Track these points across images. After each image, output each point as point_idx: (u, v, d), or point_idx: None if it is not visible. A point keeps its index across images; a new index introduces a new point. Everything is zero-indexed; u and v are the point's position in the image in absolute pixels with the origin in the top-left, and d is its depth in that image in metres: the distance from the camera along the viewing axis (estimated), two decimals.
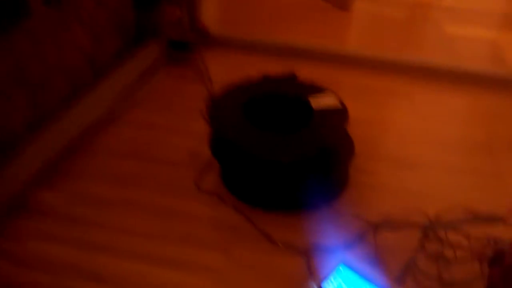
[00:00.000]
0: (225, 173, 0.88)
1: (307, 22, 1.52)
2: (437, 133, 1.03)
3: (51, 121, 0.96)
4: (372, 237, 0.75)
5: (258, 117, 0.86)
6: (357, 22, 1.60)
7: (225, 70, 1.24)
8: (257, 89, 0.93)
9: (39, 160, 0.87)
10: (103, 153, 0.94)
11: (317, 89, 0.91)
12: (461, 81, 1.21)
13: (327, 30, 1.48)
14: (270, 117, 0.90)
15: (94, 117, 1.00)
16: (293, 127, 0.83)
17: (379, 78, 1.23)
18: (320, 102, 0.88)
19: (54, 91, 0.98)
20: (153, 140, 0.98)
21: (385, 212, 0.79)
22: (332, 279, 0.66)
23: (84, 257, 0.72)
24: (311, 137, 0.82)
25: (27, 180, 0.83)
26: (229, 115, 0.85)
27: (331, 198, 0.84)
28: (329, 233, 0.78)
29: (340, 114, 0.86)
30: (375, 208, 0.81)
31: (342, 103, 0.88)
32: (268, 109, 0.91)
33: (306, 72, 1.04)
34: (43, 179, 0.86)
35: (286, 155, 0.80)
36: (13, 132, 0.88)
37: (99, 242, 0.75)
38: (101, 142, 0.97)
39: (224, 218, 0.80)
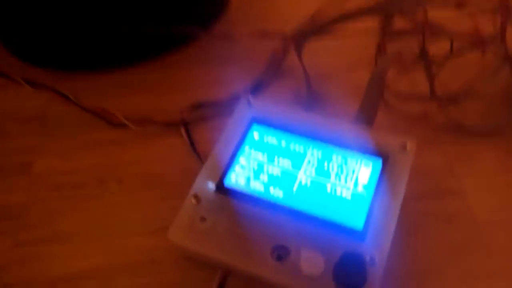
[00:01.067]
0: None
1: None
2: None
3: None
4: (297, 58, 0.40)
5: None
6: None
7: None
8: None
9: None
10: None
11: None
12: None
13: None
14: None
15: None
16: None
17: None
18: None
19: None
20: None
21: (303, 19, 0.43)
22: (242, 159, 0.32)
23: None
24: None
25: None
26: None
27: (203, 24, 0.46)
28: (214, 78, 0.42)
29: None
30: (283, 16, 0.46)
31: None
32: None
33: None
34: None
35: None
36: None
37: None
38: None
39: (9, 97, 0.41)
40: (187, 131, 0.38)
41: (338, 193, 0.30)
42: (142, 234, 0.33)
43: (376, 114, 0.34)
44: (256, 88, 0.40)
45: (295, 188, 0.30)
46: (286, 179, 0.30)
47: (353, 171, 0.30)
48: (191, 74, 0.42)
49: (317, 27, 0.39)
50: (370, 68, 0.41)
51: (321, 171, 0.31)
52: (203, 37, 0.44)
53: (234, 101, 0.39)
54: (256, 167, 0.31)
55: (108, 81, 0.42)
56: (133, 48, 0.43)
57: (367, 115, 0.33)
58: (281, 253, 0.28)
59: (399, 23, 0.40)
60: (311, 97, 0.39)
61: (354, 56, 0.42)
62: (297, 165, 0.31)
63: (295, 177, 0.30)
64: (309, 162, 0.31)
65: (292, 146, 0.32)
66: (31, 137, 0.39)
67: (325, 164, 0.31)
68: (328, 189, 0.30)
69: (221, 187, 0.30)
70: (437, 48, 0.40)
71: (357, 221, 0.28)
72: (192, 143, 0.37)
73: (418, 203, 0.32)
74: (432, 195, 0.33)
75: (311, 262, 0.27)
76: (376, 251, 0.27)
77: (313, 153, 0.31)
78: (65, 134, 0.39)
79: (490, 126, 0.36)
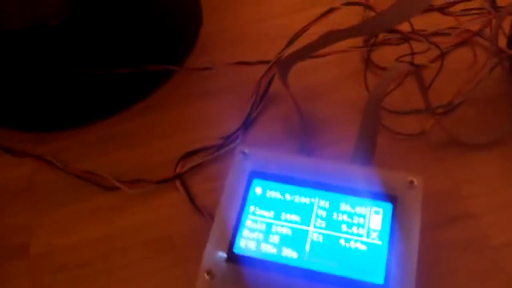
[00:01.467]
0: None
1: None
2: None
3: None
4: (283, 86, 0.38)
5: None
6: None
7: None
8: None
9: None
10: None
11: None
12: None
13: None
14: None
15: None
16: None
17: None
18: None
19: None
20: None
21: (283, 44, 0.40)
22: (249, 221, 0.31)
23: None
24: None
25: None
26: None
27: (175, 61, 0.43)
28: (198, 118, 0.40)
29: None
30: (257, 42, 0.44)
31: None
32: None
33: None
34: None
35: (51, 10, 0.36)
36: None
37: None
38: None
39: None
40: (183, 185, 0.36)
41: (353, 246, 0.29)
42: None
43: (375, 147, 0.32)
44: (246, 125, 0.39)
45: (307, 247, 0.29)
46: (297, 237, 0.30)
47: (364, 219, 0.30)
48: (173, 117, 0.40)
49: (301, 52, 0.37)
50: (359, 81, 0.40)
51: (331, 224, 0.30)
52: (179, 74, 0.42)
53: (225, 143, 0.38)
54: (264, 228, 0.30)
55: (88, 137, 0.40)
56: (107, 97, 0.41)
57: (366, 151, 0.32)
58: None
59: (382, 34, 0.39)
60: (304, 126, 0.38)
61: (341, 71, 0.41)
62: (306, 220, 0.30)
63: (306, 234, 0.30)
64: (317, 214, 0.30)
65: (297, 199, 0.31)
66: (22, 213, 0.37)
67: (334, 215, 0.30)
68: (342, 243, 0.29)
69: (232, 256, 0.29)
70: (426, 54, 0.39)
71: (376, 275, 0.28)
72: (191, 198, 0.36)
73: (431, 233, 0.32)
74: (444, 222, 0.33)
75: None
76: None
77: (320, 204, 0.30)
78: (57, 205, 0.37)
79: (490, 137, 0.35)
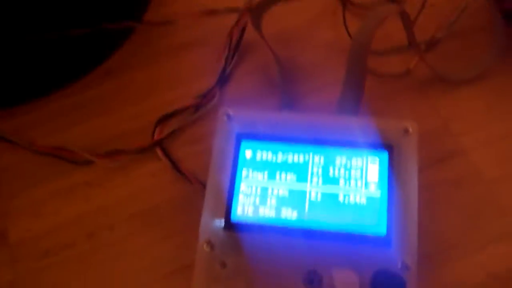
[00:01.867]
0: None
1: None
2: None
3: None
4: (258, 33, 0.36)
5: None
6: None
7: None
8: None
9: None
10: None
11: None
12: None
13: None
14: None
15: None
16: None
17: None
18: None
19: None
20: None
21: None
22: (243, 186, 0.29)
23: None
24: None
25: None
26: None
27: (134, 16, 0.39)
28: (169, 77, 0.37)
29: None
30: None
31: None
32: None
33: None
34: None
35: None
36: None
37: None
38: None
39: None
40: (164, 152, 0.34)
41: (352, 201, 0.28)
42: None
43: (362, 96, 0.31)
44: (222, 80, 0.36)
45: (306, 206, 0.28)
46: (295, 197, 0.29)
47: (361, 171, 0.29)
48: (141, 79, 0.37)
49: None
50: (337, 22, 0.38)
51: (328, 179, 0.29)
52: (139, 31, 0.38)
53: (202, 101, 0.36)
54: (259, 191, 0.29)
55: (52, 109, 0.37)
56: (64, 63, 0.37)
57: (353, 100, 0.31)
58: (313, 280, 0.27)
59: None
60: (284, 75, 0.36)
61: (317, 12, 0.38)
62: (302, 178, 0.29)
63: (304, 193, 0.29)
64: (313, 171, 0.29)
65: (290, 158, 0.29)
66: None
67: (331, 169, 0.29)
68: (341, 198, 0.28)
69: (230, 224, 0.28)
70: None
71: (378, 227, 0.28)
72: (174, 164, 0.34)
73: (425, 174, 0.31)
74: (436, 161, 0.32)
75: (345, 281, 0.27)
76: (406, 253, 0.27)
77: (314, 160, 0.29)
78: (29, 187, 0.34)
79: (473, 71, 0.34)
